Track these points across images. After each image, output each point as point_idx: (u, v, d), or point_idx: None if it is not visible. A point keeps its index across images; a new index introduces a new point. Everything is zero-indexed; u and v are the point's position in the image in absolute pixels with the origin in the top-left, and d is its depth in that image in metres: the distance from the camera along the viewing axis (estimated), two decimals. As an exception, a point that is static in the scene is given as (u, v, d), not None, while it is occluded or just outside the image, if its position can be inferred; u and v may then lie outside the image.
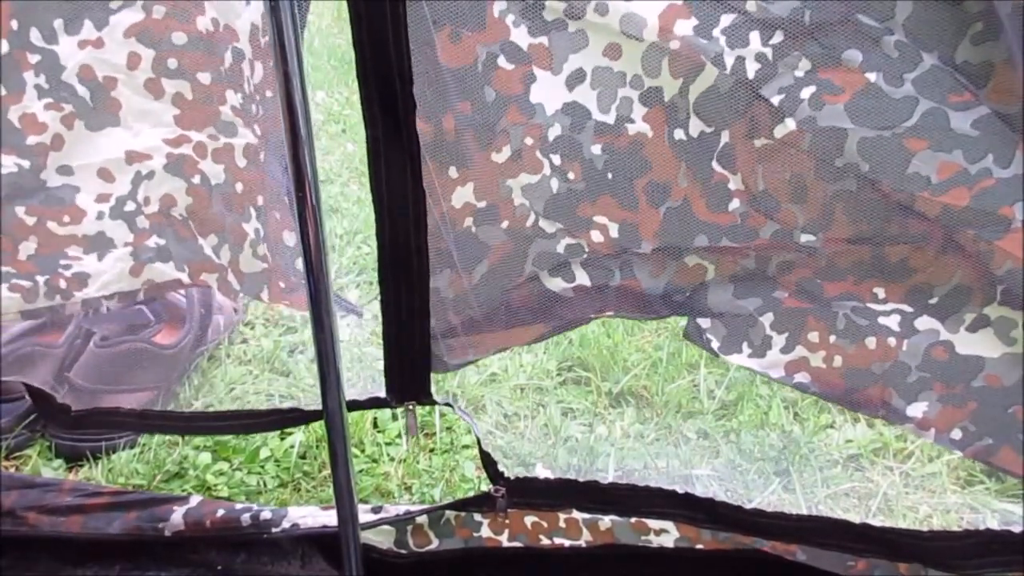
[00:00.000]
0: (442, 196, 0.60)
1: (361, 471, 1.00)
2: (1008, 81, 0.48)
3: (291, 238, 0.74)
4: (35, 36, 0.59)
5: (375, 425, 1.05)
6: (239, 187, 0.70)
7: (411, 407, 0.74)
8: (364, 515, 0.81)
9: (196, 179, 0.68)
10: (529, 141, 0.57)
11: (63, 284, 0.68)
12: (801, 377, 0.62)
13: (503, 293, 0.63)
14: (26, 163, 0.63)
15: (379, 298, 0.67)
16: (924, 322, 0.58)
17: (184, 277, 0.71)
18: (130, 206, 0.67)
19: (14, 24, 0.58)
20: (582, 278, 0.62)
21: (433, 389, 1.09)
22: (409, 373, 0.72)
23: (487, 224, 0.61)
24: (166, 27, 0.61)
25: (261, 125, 0.69)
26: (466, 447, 1.02)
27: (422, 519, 0.81)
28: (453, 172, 0.59)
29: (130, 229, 0.68)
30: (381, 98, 0.58)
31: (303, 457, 1.01)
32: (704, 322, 0.62)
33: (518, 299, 0.63)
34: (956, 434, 0.60)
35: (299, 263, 0.75)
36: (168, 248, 0.70)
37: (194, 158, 0.67)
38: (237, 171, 0.69)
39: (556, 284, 0.63)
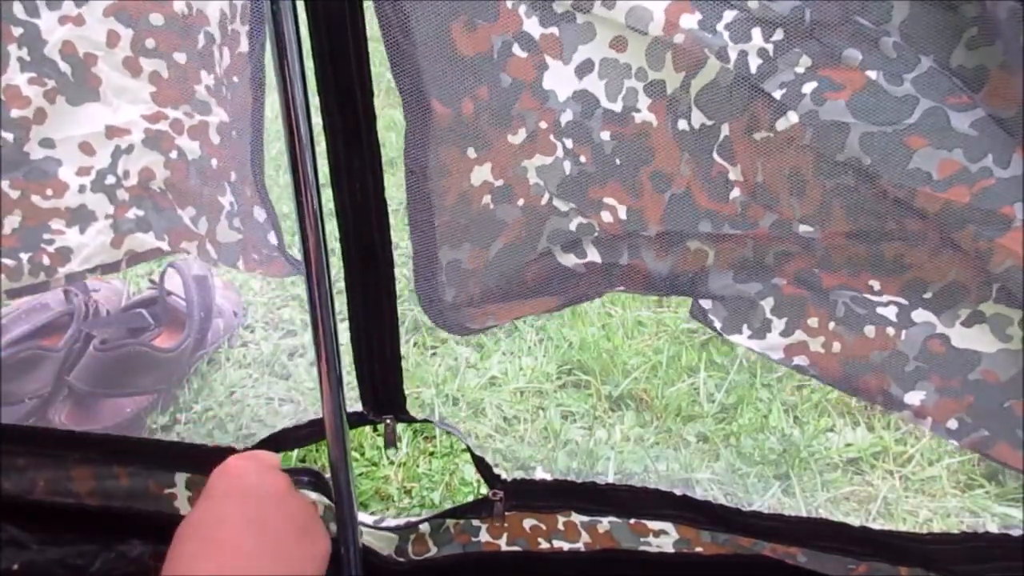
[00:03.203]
0: (461, 175, 0.61)
1: (361, 474, 1.00)
2: (1004, 86, 0.48)
3: (261, 213, 0.76)
4: (18, 9, 0.61)
5: (375, 428, 1.05)
6: (214, 162, 0.71)
7: (388, 421, 0.75)
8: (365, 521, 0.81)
9: (173, 154, 0.70)
10: (543, 125, 0.58)
11: (46, 260, 0.69)
12: (800, 360, 0.63)
13: (520, 267, 0.64)
14: (10, 136, 0.64)
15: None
16: (920, 315, 0.59)
17: (164, 246, 0.72)
18: (110, 179, 0.69)
19: None
20: (593, 255, 0.63)
21: (434, 392, 1.10)
22: (382, 387, 0.72)
23: (504, 202, 0.62)
24: (143, 8, 0.63)
25: (230, 108, 0.70)
26: (466, 451, 1.02)
27: (424, 527, 0.80)
28: (472, 152, 0.60)
29: (111, 201, 0.69)
30: (341, 109, 0.58)
31: (303, 461, 1.02)
32: (706, 303, 0.63)
33: (534, 273, 0.65)
34: (952, 424, 0.60)
35: (271, 237, 0.76)
36: (148, 219, 0.71)
37: (171, 134, 0.69)
38: (211, 147, 0.70)
39: (569, 260, 0.64)
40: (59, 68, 0.63)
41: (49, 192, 0.67)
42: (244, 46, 0.69)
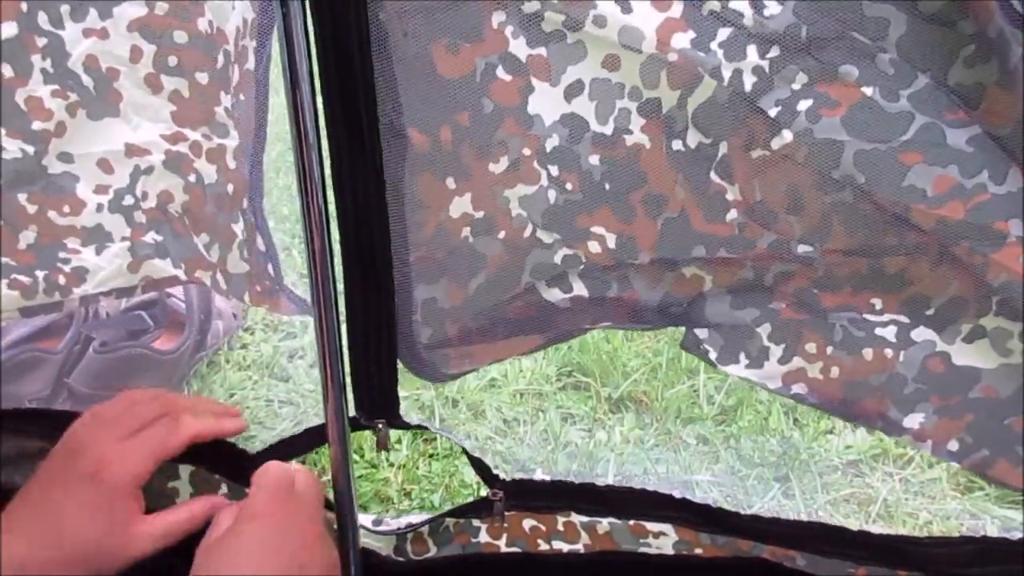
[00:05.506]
0: (439, 207, 0.59)
1: (360, 476, 1.00)
2: (1000, 103, 0.48)
3: (262, 244, 0.75)
4: (43, 19, 0.60)
5: (374, 431, 1.05)
6: (230, 188, 0.70)
7: (380, 425, 0.74)
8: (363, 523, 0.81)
9: (192, 177, 0.68)
10: (527, 152, 0.56)
11: (62, 280, 0.68)
12: (799, 388, 0.62)
13: (500, 303, 0.63)
14: (30, 149, 0.63)
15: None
16: (921, 333, 0.58)
17: (180, 274, 0.71)
18: (128, 200, 0.67)
19: (24, 6, 0.59)
20: (579, 289, 0.62)
21: (434, 393, 1.10)
22: (377, 390, 0.72)
23: (484, 235, 0.60)
24: (168, 24, 0.62)
25: (240, 128, 0.69)
26: (466, 452, 1.02)
27: (423, 526, 0.81)
28: (451, 183, 0.59)
29: (127, 223, 0.68)
30: (345, 115, 0.58)
31: (302, 463, 1.01)
32: (701, 333, 0.62)
33: (515, 310, 0.63)
34: (953, 445, 0.60)
35: (270, 268, 0.75)
36: (165, 244, 0.70)
37: (190, 156, 0.67)
38: (228, 172, 0.69)
39: (553, 295, 0.63)
40: (82, 81, 0.62)
41: (66, 209, 0.65)
42: (251, 63, 0.68)
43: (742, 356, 0.62)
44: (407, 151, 0.58)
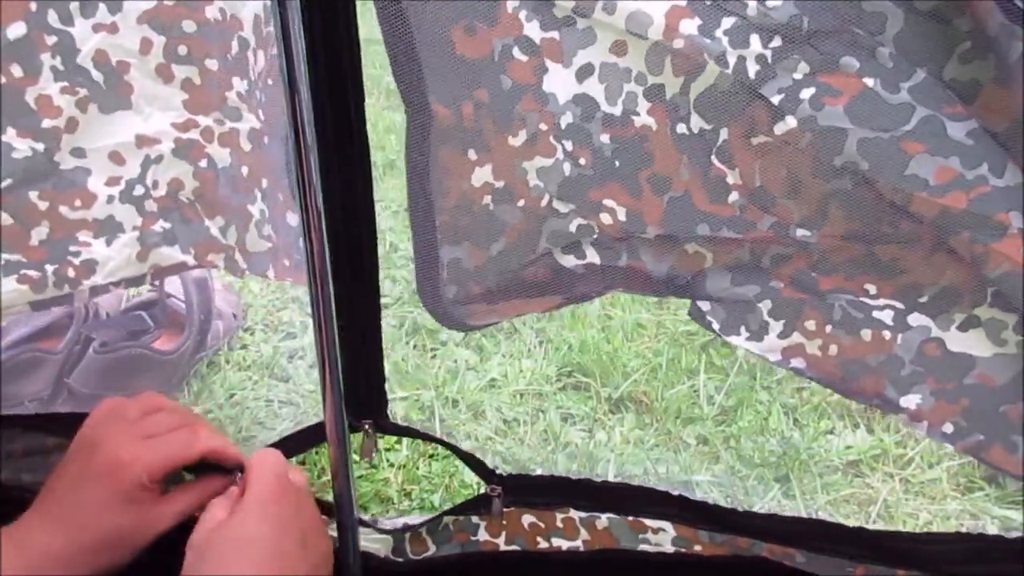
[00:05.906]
0: (462, 176, 0.61)
1: (360, 477, 1.00)
2: (996, 101, 0.49)
3: (294, 218, 0.75)
4: (52, 17, 0.60)
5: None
6: (244, 170, 0.71)
7: (367, 427, 0.74)
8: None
9: (203, 163, 0.69)
10: (543, 127, 0.58)
11: (71, 273, 0.68)
12: (797, 362, 0.63)
13: (520, 267, 0.65)
14: (40, 146, 0.63)
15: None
16: (916, 318, 0.59)
17: (190, 260, 0.72)
18: (139, 190, 0.68)
19: (33, 6, 0.59)
20: (592, 256, 0.64)
21: (434, 394, 1.10)
22: (365, 389, 0.73)
23: (504, 203, 0.62)
24: (177, 14, 0.63)
25: (264, 111, 0.70)
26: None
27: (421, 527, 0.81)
28: (472, 154, 0.60)
29: (138, 213, 0.68)
30: (336, 115, 0.59)
31: (302, 463, 1.02)
32: (704, 305, 0.63)
33: (533, 273, 0.66)
34: (948, 428, 0.61)
35: (302, 242, 0.76)
36: (174, 232, 0.70)
37: (201, 142, 0.68)
38: (242, 155, 0.70)
39: (568, 260, 0.65)
40: (92, 77, 0.63)
41: (77, 203, 0.66)
42: (275, 48, 0.69)
43: (743, 329, 0.63)
44: (431, 125, 0.60)
